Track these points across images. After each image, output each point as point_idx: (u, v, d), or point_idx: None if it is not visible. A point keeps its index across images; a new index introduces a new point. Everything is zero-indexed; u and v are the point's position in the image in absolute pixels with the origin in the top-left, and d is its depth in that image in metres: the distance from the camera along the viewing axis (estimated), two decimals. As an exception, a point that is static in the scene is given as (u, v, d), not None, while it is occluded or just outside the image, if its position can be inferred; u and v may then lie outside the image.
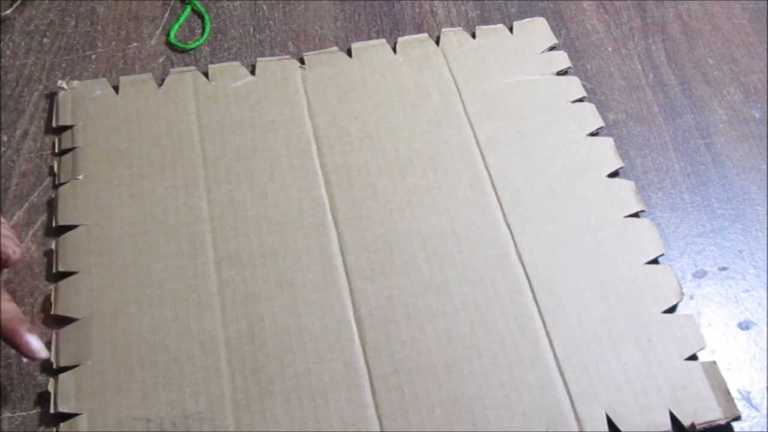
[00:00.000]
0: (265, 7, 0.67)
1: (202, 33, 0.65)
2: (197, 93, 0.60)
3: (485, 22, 0.66)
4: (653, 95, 0.62)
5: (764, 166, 0.58)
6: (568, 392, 0.47)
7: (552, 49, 0.64)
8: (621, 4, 0.68)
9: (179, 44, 0.64)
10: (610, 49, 0.65)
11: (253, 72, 0.62)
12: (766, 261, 0.53)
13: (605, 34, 0.66)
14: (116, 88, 0.60)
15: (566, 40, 0.65)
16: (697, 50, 0.65)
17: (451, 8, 0.67)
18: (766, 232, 0.55)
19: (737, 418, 0.46)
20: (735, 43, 0.65)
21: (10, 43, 0.64)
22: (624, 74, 0.64)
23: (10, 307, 0.46)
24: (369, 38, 0.64)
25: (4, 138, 0.58)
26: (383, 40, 0.64)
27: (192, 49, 0.64)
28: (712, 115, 0.61)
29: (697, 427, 0.45)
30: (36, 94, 0.61)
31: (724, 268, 0.53)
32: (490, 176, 0.55)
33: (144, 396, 0.46)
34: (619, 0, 0.69)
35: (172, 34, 0.64)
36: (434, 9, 0.67)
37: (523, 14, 0.66)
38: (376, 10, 0.67)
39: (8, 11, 0.65)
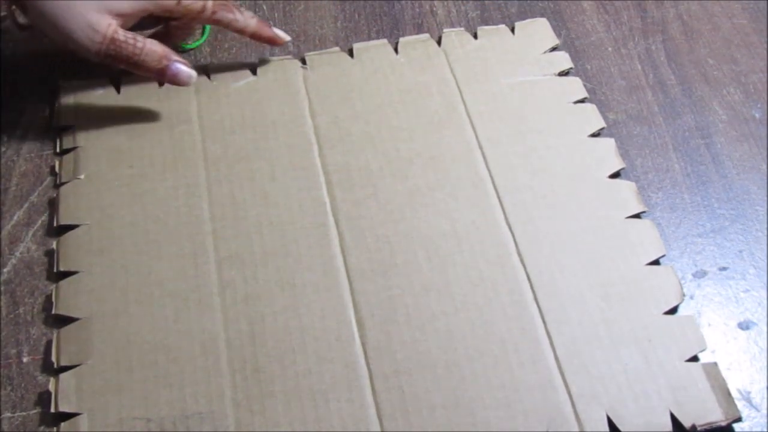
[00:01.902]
0: (265, 7, 0.66)
1: (202, 33, 0.64)
2: (198, 93, 0.59)
3: (485, 22, 0.65)
4: (653, 95, 0.61)
5: (764, 166, 0.57)
6: (569, 393, 0.46)
7: (554, 49, 0.63)
8: (621, 4, 0.68)
9: (179, 44, 0.63)
10: (610, 49, 0.64)
11: (254, 72, 0.61)
12: (766, 261, 0.53)
13: (605, 34, 0.66)
14: (118, 88, 0.60)
15: (566, 40, 0.65)
16: (697, 50, 0.64)
17: (451, 8, 0.66)
18: (766, 232, 0.54)
19: (738, 420, 0.45)
20: (735, 43, 0.65)
21: (10, 43, 0.63)
22: (624, 74, 0.63)
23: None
24: (369, 38, 0.64)
25: (4, 138, 0.58)
26: (385, 41, 0.63)
27: (192, 49, 0.63)
28: (712, 115, 0.60)
29: (698, 429, 0.45)
30: (36, 94, 0.60)
31: (724, 268, 0.53)
32: (491, 177, 0.55)
33: (144, 396, 0.46)
34: (619, 0, 0.68)
35: (172, 34, 0.63)
36: (434, 9, 0.66)
37: (523, 14, 0.66)
38: (376, 10, 0.66)
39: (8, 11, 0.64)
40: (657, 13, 0.67)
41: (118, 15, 0.52)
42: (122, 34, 0.52)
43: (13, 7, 0.57)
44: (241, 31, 0.58)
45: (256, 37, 0.59)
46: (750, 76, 0.62)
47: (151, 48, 0.53)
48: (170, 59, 0.54)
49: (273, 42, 0.59)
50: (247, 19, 0.57)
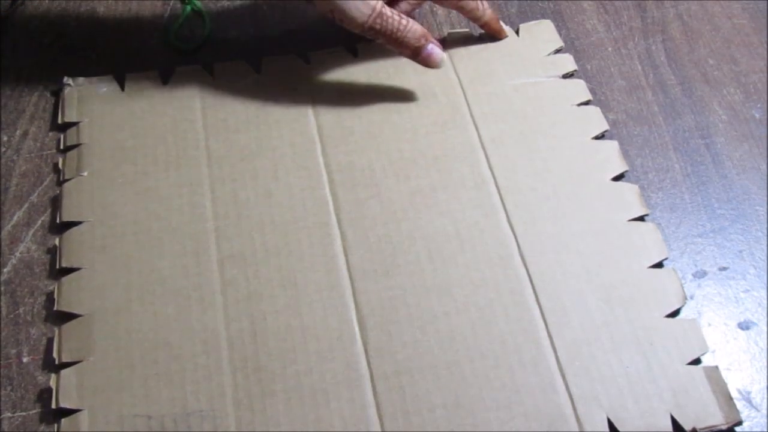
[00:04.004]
0: (264, 7, 0.64)
1: (202, 33, 0.62)
2: (202, 91, 0.57)
3: (485, 22, 0.63)
4: (653, 95, 0.59)
5: (764, 166, 0.55)
6: (570, 395, 0.44)
7: (558, 51, 0.61)
8: (621, 4, 0.65)
9: (179, 44, 0.61)
10: (610, 49, 0.62)
11: (258, 70, 0.59)
12: (766, 261, 0.51)
13: (605, 34, 0.63)
14: (122, 86, 0.58)
15: (566, 40, 0.62)
16: (697, 50, 0.62)
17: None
18: (766, 232, 0.52)
19: (739, 423, 0.44)
20: (735, 43, 0.62)
21: (10, 43, 0.61)
22: (624, 74, 0.61)
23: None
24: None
25: (4, 138, 0.56)
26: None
27: (192, 49, 0.61)
28: (712, 115, 0.58)
29: (698, 432, 0.43)
30: (36, 94, 0.58)
31: (724, 268, 0.51)
32: (494, 178, 0.53)
33: (145, 393, 0.44)
34: (619, 0, 0.66)
35: (172, 34, 0.61)
36: (434, 9, 0.64)
37: (523, 14, 0.64)
38: (377, 9, 0.64)
39: (8, 11, 0.62)
40: (657, 13, 0.65)
41: None
42: (388, 10, 0.52)
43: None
44: (476, 20, 0.59)
45: (486, 26, 0.60)
46: (750, 76, 0.60)
47: (413, 26, 0.53)
48: (428, 39, 0.54)
49: (497, 35, 0.60)
50: (485, 9, 0.59)
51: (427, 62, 0.55)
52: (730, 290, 0.50)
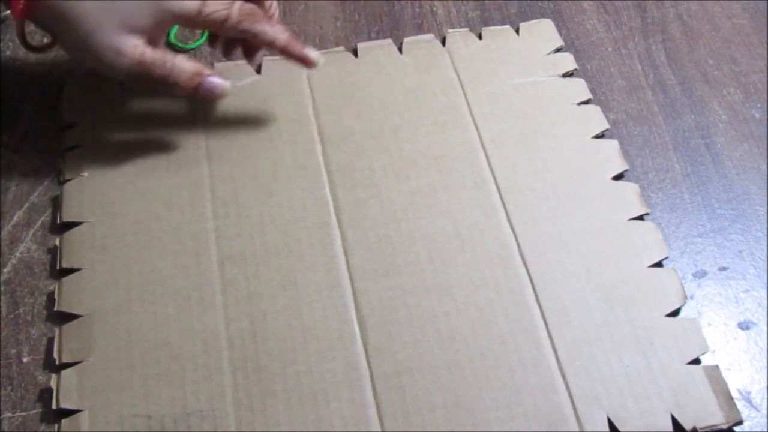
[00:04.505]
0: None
1: (202, 33, 0.61)
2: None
3: (485, 22, 0.63)
4: (653, 95, 0.59)
5: (764, 166, 0.55)
6: (570, 394, 0.44)
7: (558, 50, 0.60)
8: (621, 4, 0.65)
9: (179, 44, 0.61)
10: (610, 49, 0.62)
11: (258, 71, 0.59)
12: (766, 261, 0.51)
13: (605, 34, 0.63)
14: (122, 86, 0.57)
15: (566, 40, 0.62)
16: (697, 50, 0.62)
17: (451, 8, 0.64)
18: (766, 232, 0.52)
19: (739, 423, 0.43)
20: (735, 43, 0.62)
21: (10, 43, 0.61)
22: (624, 74, 0.60)
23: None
24: (369, 38, 0.61)
25: (4, 138, 0.56)
26: (389, 40, 0.60)
27: (192, 50, 0.61)
28: (712, 115, 0.58)
29: (699, 431, 0.43)
30: (36, 94, 0.58)
31: (724, 268, 0.50)
32: (494, 177, 0.52)
33: (145, 393, 0.44)
34: (619, 0, 0.65)
35: (172, 35, 0.61)
36: (434, 9, 0.64)
37: (522, 14, 0.63)
38: (376, 10, 0.64)
39: (8, 11, 0.62)
40: (657, 13, 0.65)
41: (142, 32, 0.47)
42: (150, 55, 0.47)
43: (28, 28, 0.52)
44: (270, 45, 0.50)
45: (285, 52, 0.51)
46: (750, 76, 0.60)
47: (181, 67, 0.48)
48: (202, 74, 0.49)
49: (303, 61, 0.51)
50: (277, 32, 0.50)
51: (210, 97, 0.50)
52: (730, 290, 0.49)
